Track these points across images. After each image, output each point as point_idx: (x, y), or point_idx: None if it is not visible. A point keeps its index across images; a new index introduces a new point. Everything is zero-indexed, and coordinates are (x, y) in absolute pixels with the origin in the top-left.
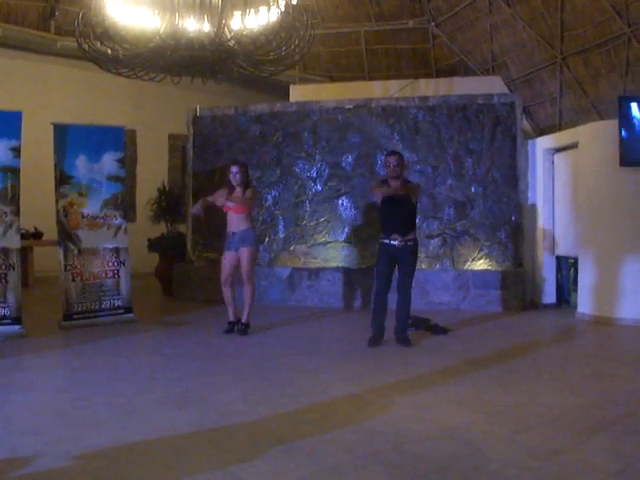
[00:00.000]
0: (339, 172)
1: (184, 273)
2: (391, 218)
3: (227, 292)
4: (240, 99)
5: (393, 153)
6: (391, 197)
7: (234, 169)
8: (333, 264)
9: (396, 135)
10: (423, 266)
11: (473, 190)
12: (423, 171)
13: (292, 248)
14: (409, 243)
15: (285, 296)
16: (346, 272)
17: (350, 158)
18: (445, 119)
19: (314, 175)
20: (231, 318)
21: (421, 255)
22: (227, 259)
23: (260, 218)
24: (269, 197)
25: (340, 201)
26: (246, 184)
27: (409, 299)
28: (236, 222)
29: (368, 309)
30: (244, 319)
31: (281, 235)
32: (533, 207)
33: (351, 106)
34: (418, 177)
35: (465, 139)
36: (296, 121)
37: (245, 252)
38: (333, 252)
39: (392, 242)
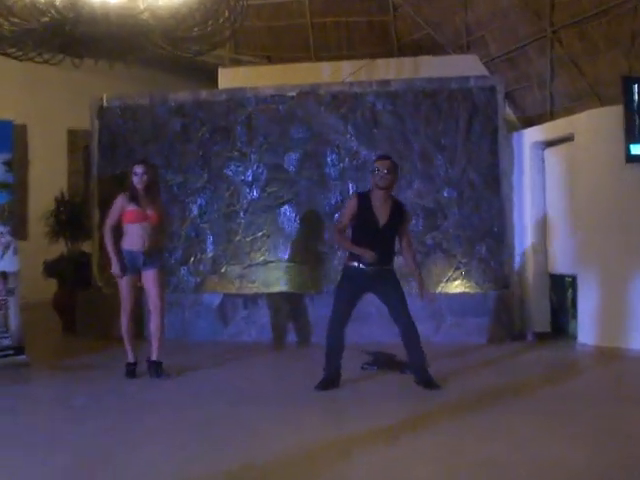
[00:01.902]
0: (280, 175)
1: (90, 303)
2: (368, 244)
3: (130, 327)
4: (157, 86)
5: (385, 157)
6: (375, 221)
7: (139, 169)
8: (275, 289)
9: (350, 128)
10: None
11: (446, 195)
12: None
13: (223, 270)
14: (385, 267)
15: (215, 330)
16: (292, 299)
17: (293, 157)
18: (410, 108)
19: (249, 179)
20: (132, 359)
21: None
22: (129, 284)
23: (182, 233)
24: (194, 207)
25: (282, 210)
26: (155, 191)
27: (416, 329)
28: (143, 236)
29: (320, 344)
30: (155, 356)
31: (209, 254)
32: (520, 215)
33: (294, 93)
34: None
35: (435, 132)
36: (226, 112)
37: (155, 275)
38: (275, 274)
39: (362, 266)
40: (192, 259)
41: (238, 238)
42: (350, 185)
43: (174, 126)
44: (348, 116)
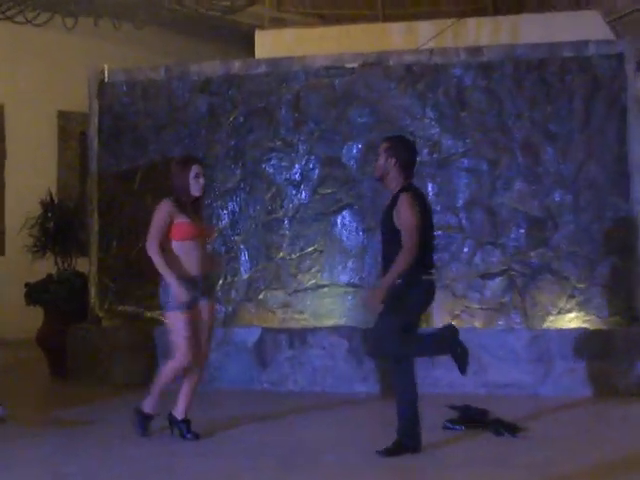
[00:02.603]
0: (338, 172)
1: (86, 340)
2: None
3: (184, 378)
4: (176, 55)
5: (383, 140)
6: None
7: (197, 169)
8: (330, 322)
9: (429, 111)
10: (476, 324)
11: (557, 199)
12: (474, 168)
13: (262, 297)
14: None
15: (251, 375)
16: (353, 335)
17: (355, 149)
18: (509, 84)
19: (297, 177)
20: (154, 409)
21: (473, 305)
22: (191, 322)
23: (209, 248)
24: (223, 214)
25: (340, 219)
26: (203, 198)
27: (397, 386)
28: (202, 257)
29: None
30: (183, 414)
31: (244, 275)
32: None
33: (355, 64)
34: (466, 178)
35: (542, 116)
36: (267, 90)
37: (211, 308)
38: (330, 302)
39: None
40: (221, 282)
41: (281, 255)
42: (430, 185)
43: (198, 108)
44: (427, 95)
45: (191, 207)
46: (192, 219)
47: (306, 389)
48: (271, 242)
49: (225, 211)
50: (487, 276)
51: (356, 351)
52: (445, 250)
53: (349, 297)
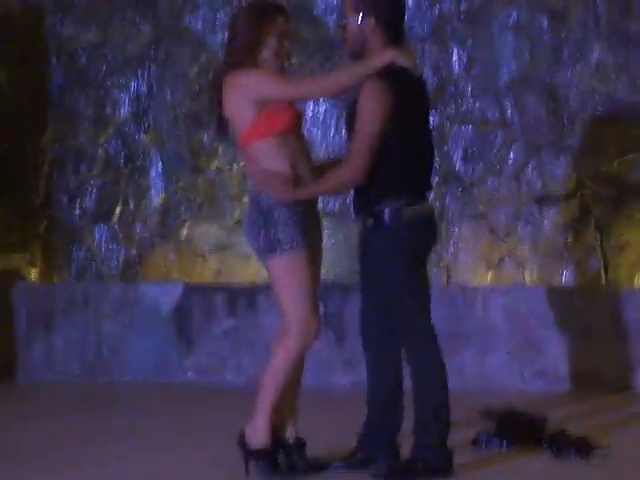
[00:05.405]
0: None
1: None
2: None
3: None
4: None
5: None
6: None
7: (283, 25)
8: None
9: None
10: (526, 277)
11: None
12: (527, 24)
13: (185, 233)
14: (361, 217)
15: (168, 358)
16: (331, 294)
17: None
18: None
19: None
20: (268, 440)
21: (523, 248)
22: (309, 266)
23: (99, 154)
24: (122, 98)
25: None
26: None
27: (422, 366)
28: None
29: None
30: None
31: (155, 199)
32: None
33: None
34: (514, 41)
35: None
36: None
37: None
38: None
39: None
40: (118, 210)
41: (216, 165)
42: (455, 51)
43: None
44: None
45: None
46: None
47: (255, 381)
48: (201, 145)
49: (124, 94)
50: (546, 200)
51: (335, 320)
52: (478, 157)
53: (325, 232)
